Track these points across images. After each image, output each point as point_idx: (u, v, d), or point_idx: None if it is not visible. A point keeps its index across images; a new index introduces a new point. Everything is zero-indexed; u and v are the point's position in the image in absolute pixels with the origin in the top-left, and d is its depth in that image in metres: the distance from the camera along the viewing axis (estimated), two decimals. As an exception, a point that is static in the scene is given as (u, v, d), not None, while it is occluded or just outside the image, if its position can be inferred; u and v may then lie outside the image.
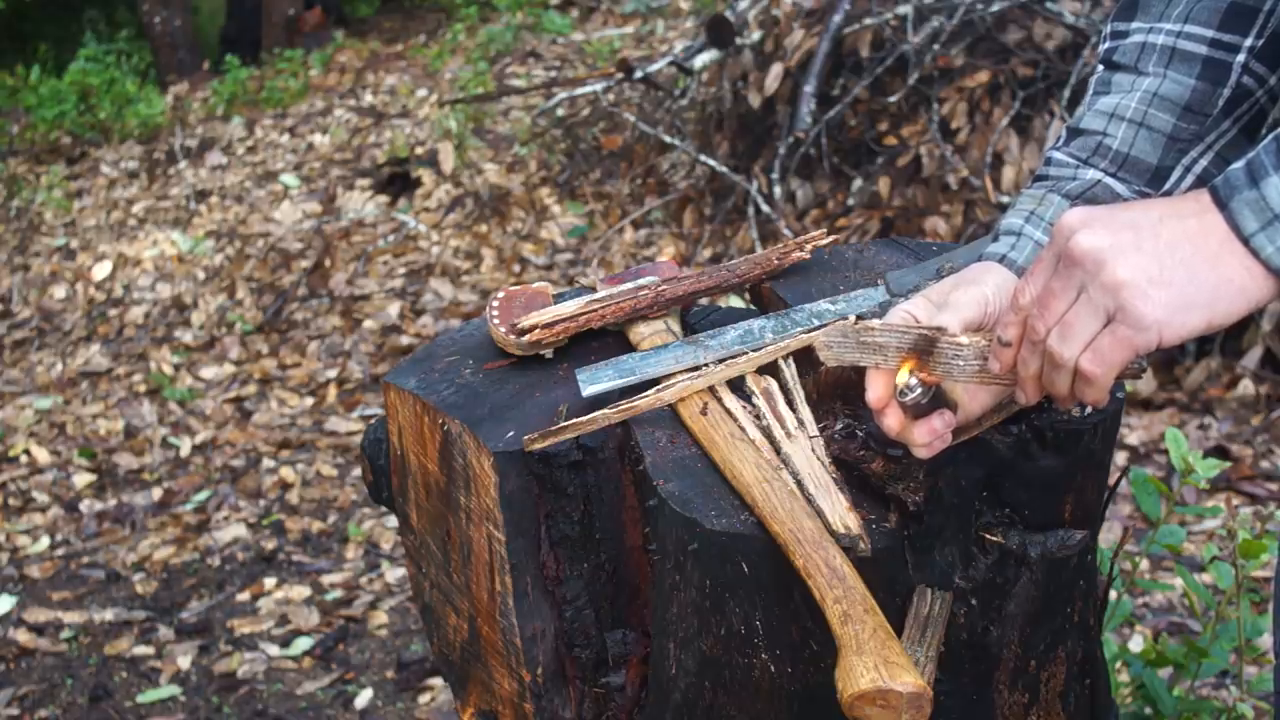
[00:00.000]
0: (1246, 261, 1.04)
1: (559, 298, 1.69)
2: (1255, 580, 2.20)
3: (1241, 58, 1.36)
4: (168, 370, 5.35)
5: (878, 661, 1.15)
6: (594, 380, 1.51)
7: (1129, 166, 1.39)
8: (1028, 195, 1.42)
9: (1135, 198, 1.37)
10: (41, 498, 4.54)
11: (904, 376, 1.25)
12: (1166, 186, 1.38)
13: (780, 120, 5.22)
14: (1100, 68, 1.45)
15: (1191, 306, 1.05)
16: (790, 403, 1.47)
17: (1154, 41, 1.39)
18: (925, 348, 1.23)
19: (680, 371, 1.53)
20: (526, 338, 1.59)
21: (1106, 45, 1.44)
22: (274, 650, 3.53)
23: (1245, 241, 1.04)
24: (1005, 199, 4.50)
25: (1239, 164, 1.06)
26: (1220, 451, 3.80)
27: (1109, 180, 1.38)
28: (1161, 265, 1.05)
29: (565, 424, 1.41)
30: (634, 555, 1.48)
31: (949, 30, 4.89)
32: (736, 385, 1.50)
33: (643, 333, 1.62)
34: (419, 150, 6.68)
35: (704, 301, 1.71)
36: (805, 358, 1.54)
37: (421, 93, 7.69)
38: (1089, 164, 1.40)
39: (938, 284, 1.37)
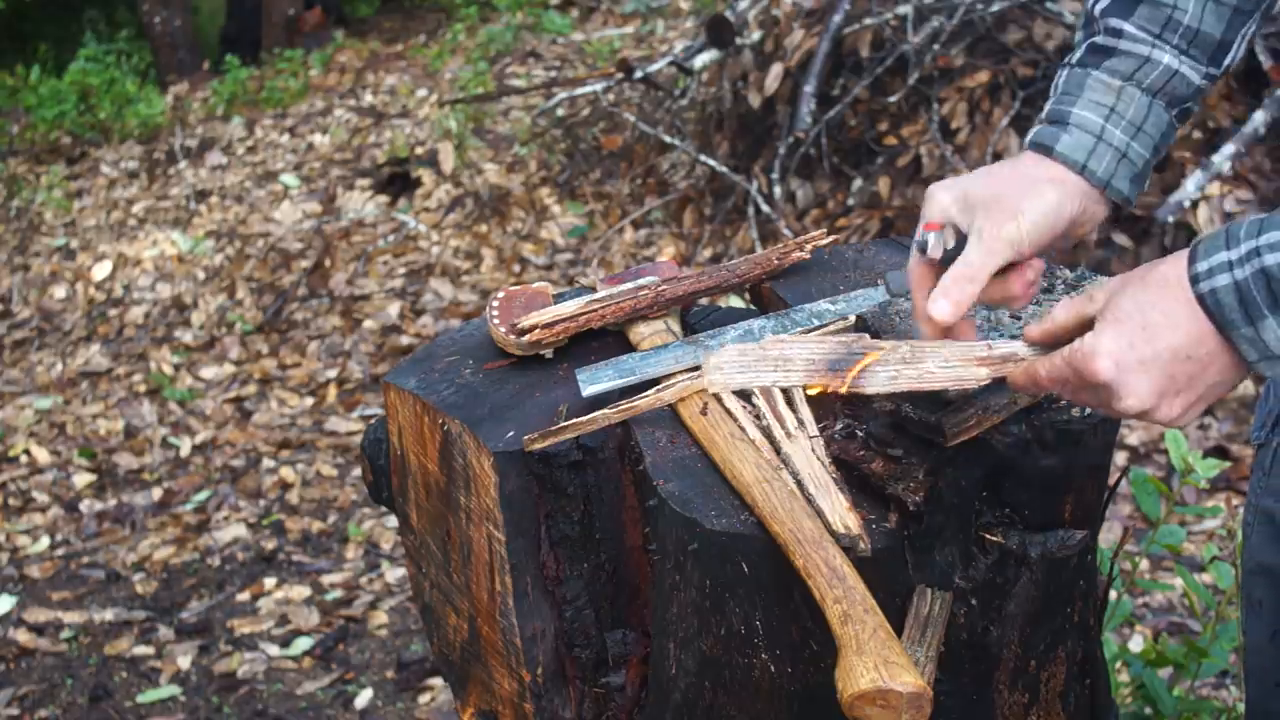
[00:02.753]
0: (1238, 369, 1.14)
1: (559, 298, 1.69)
2: (1255, 580, 2.20)
3: None
4: (168, 370, 5.35)
5: (878, 661, 1.15)
6: (594, 380, 1.51)
7: (1198, 43, 1.34)
8: (1101, 83, 1.33)
9: (1205, 83, 1.35)
10: (41, 498, 4.54)
11: (922, 235, 1.22)
12: (1225, 63, 1.35)
13: (780, 120, 5.22)
14: None
15: (1196, 405, 1.16)
16: (790, 403, 1.47)
17: None
18: (843, 359, 1.22)
19: (680, 371, 1.53)
20: (526, 338, 1.59)
21: None
22: (274, 650, 3.53)
23: (1248, 365, 1.14)
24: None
25: (1225, 281, 1.10)
26: (1220, 451, 3.80)
27: (1184, 69, 1.33)
28: (1173, 381, 1.13)
29: (565, 424, 1.41)
30: (634, 555, 1.48)
31: (949, 30, 4.89)
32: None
33: (643, 333, 1.62)
34: (419, 150, 6.68)
35: (704, 301, 1.71)
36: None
37: (421, 93, 7.69)
38: (1161, 41, 1.33)
39: (976, 180, 1.31)
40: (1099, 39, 1.35)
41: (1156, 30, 1.33)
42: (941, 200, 1.30)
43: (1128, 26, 1.33)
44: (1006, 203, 1.28)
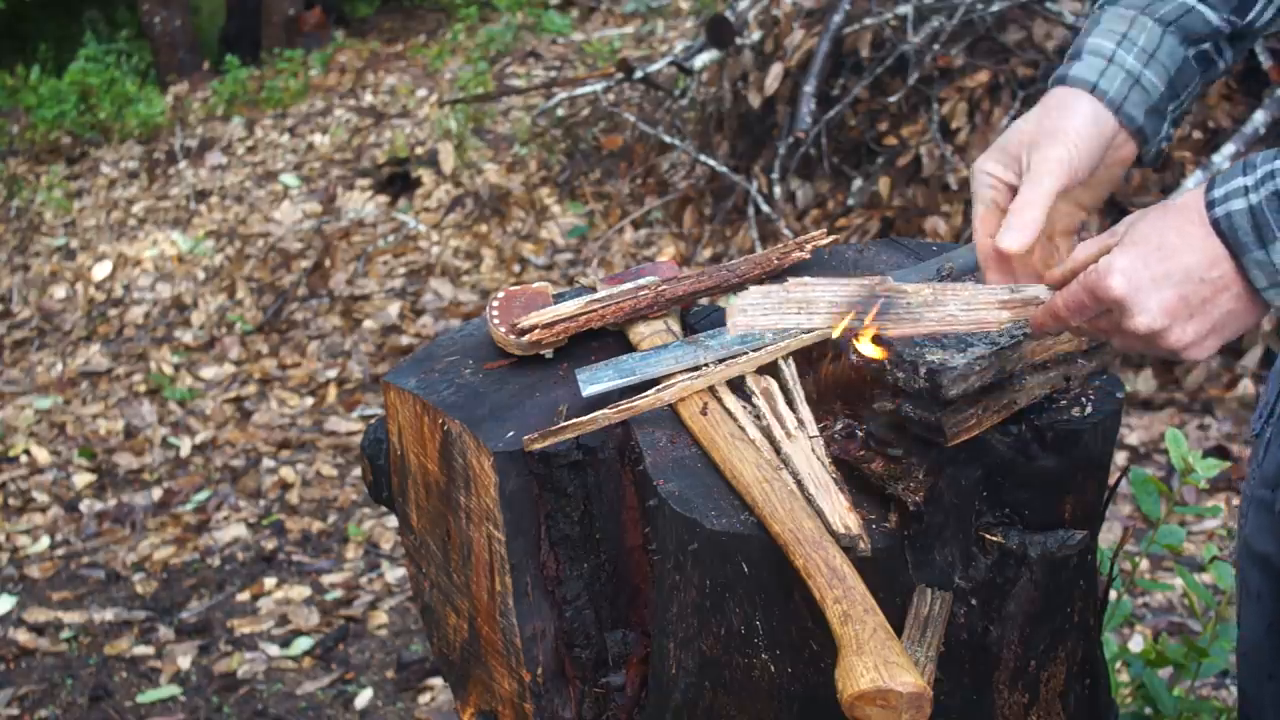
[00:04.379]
0: (1251, 302, 1.16)
1: (559, 298, 1.69)
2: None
3: None
4: (168, 370, 5.35)
5: (878, 661, 1.15)
6: (594, 380, 1.51)
7: None
8: (1115, 14, 1.35)
9: (1224, 25, 1.35)
10: (41, 498, 4.54)
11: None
12: (1250, 17, 1.35)
13: (780, 120, 5.22)
14: None
15: (1209, 336, 1.16)
16: (790, 403, 1.47)
17: None
18: (865, 300, 1.21)
19: (680, 371, 1.53)
20: (526, 338, 1.59)
21: None
22: (274, 650, 3.53)
23: (1257, 292, 1.15)
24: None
25: (1240, 205, 1.12)
26: (1220, 451, 3.80)
27: (1201, 6, 1.34)
28: (1185, 303, 1.14)
29: (565, 424, 1.41)
30: (634, 555, 1.48)
31: (949, 30, 4.89)
32: (736, 385, 1.50)
33: (643, 333, 1.62)
34: (419, 150, 6.68)
35: (704, 301, 1.71)
36: (805, 358, 1.54)
37: (421, 93, 7.69)
38: None
39: (1013, 134, 1.32)
40: None
41: None
42: (986, 169, 1.32)
43: None
44: (1047, 131, 1.29)
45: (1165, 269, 1.13)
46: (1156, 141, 1.36)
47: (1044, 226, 1.26)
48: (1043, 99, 1.35)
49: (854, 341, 1.25)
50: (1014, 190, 1.30)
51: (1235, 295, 1.14)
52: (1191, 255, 1.13)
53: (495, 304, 1.65)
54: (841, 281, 1.21)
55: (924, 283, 1.24)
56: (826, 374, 1.53)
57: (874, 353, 1.27)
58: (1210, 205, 1.13)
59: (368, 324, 5.47)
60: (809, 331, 1.31)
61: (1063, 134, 1.28)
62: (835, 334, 1.22)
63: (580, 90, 6.36)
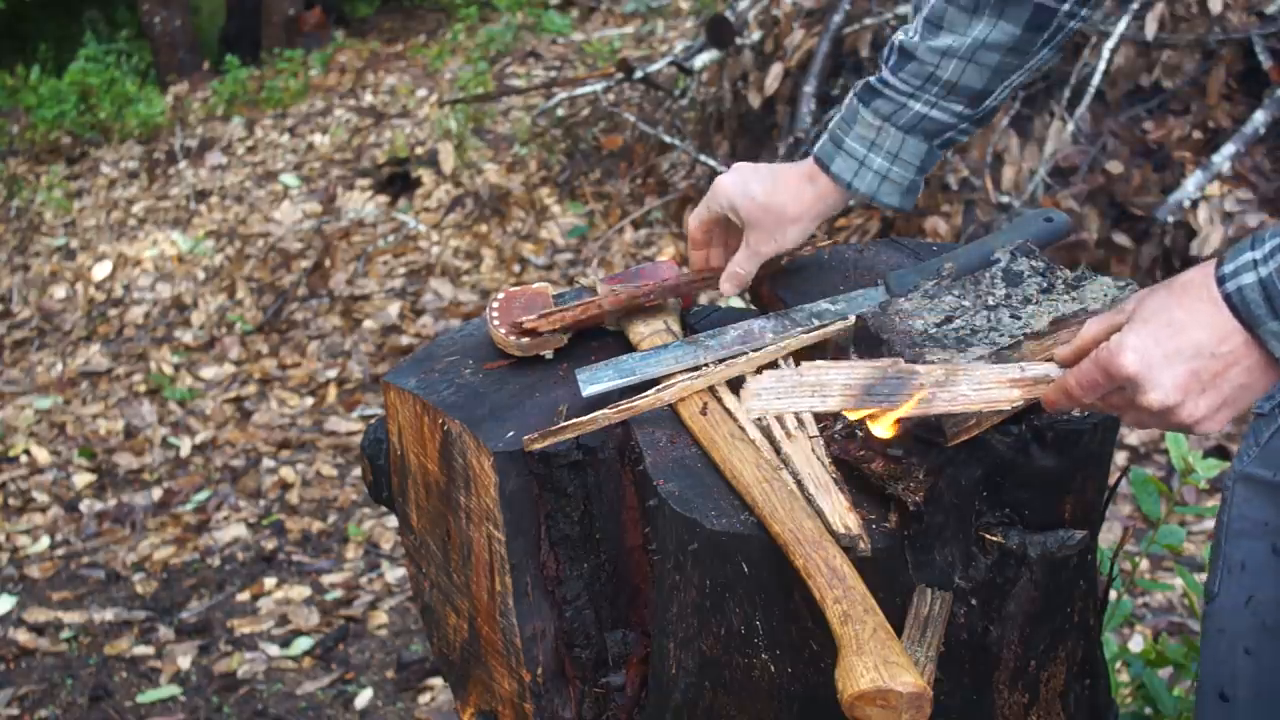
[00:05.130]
0: (1265, 372, 1.18)
1: (559, 298, 1.69)
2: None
3: (1067, 6, 1.54)
4: (168, 370, 5.35)
5: (878, 661, 1.15)
6: (594, 380, 1.51)
7: (955, 91, 1.60)
8: (864, 121, 1.63)
9: (957, 120, 1.62)
10: (41, 498, 4.54)
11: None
12: (986, 104, 1.62)
13: (780, 120, 5.22)
14: None
15: (1223, 409, 1.19)
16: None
17: None
18: (877, 387, 1.23)
19: (680, 371, 1.53)
20: (525, 336, 1.59)
21: None
22: (274, 650, 3.53)
23: (1275, 360, 1.17)
24: (1005, 199, 4.50)
25: (1251, 279, 1.15)
26: (1220, 451, 3.80)
27: (934, 112, 1.61)
28: (1197, 378, 1.17)
29: (565, 424, 1.41)
30: (634, 555, 1.48)
31: (949, 30, 4.89)
32: (736, 385, 1.50)
33: (642, 332, 1.62)
34: (419, 150, 6.68)
35: (704, 301, 1.71)
36: (805, 358, 1.54)
37: (421, 93, 7.69)
38: (920, 93, 1.60)
39: (754, 188, 1.64)
40: (873, 81, 1.64)
41: (917, 85, 1.60)
42: (721, 203, 1.66)
43: (894, 79, 1.61)
44: (771, 221, 1.64)
45: (1176, 345, 1.16)
46: (913, 202, 1.67)
47: (750, 280, 1.67)
48: (806, 162, 1.66)
49: (869, 423, 1.28)
50: (723, 224, 1.69)
51: (1246, 369, 1.17)
52: (1201, 331, 1.16)
53: (495, 304, 1.65)
54: (853, 364, 1.24)
55: (939, 364, 1.28)
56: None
57: (888, 433, 1.29)
58: (1220, 281, 1.16)
59: (368, 324, 5.47)
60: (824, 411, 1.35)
61: (780, 234, 1.64)
62: (851, 418, 1.25)
63: (580, 90, 6.36)
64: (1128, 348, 1.16)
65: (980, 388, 1.25)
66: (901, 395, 1.23)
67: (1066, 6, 1.55)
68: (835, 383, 1.23)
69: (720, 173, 5.62)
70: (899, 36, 1.63)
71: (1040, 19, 1.56)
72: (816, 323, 1.59)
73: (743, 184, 1.65)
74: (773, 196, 1.64)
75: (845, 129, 1.64)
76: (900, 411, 1.24)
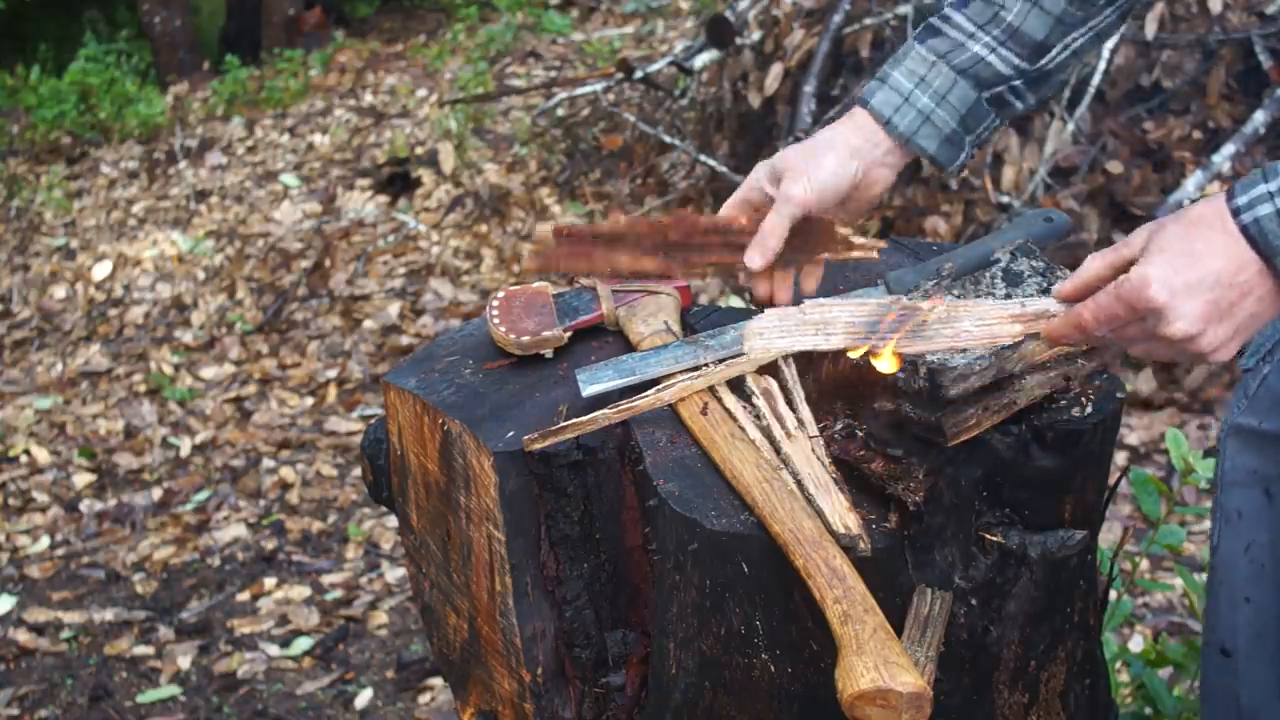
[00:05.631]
0: (1274, 301, 1.21)
1: (559, 298, 1.69)
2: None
3: None
4: (168, 370, 5.35)
5: (878, 661, 1.15)
6: (594, 380, 1.51)
7: (1016, 38, 1.54)
8: (919, 55, 1.56)
9: (1014, 74, 1.55)
10: (41, 498, 4.54)
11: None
12: (1044, 61, 1.56)
13: (780, 120, 5.22)
14: None
15: (1235, 336, 1.22)
16: (790, 403, 1.47)
17: None
18: (882, 318, 1.23)
19: (680, 371, 1.53)
20: (527, 338, 1.59)
21: None
22: (274, 650, 3.53)
23: None
24: (1005, 199, 4.50)
25: (1267, 210, 1.17)
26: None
27: (992, 57, 1.55)
28: (1216, 307, 1.20)
29: (565, 424, 1.41)
30: (634, 555, 1.48)
31: (949, 30, 4.89)
32: (736, 385, 1.50)
33: (642, 332, 1.62)
34: (419, 150, 6.68)
35: (704, 300, 1.71)
36: (805, 358, 1.54)
37: (421, 93, 7.69)
38: (981, 32, 1.54)
39: (789, 151, 1.53)
40: (934, 20, 1.58)
41: (981, 23, 1.55)
42: (758, 174, 1.56)
43: (957, 16, 1.56)
44: (797, 167, 1.51)
45: (1198, 275, 1.18)
46: (955, 165, 1.59)
47: (780, 249, 1.51)
48: (844, 117, 1.58)
49: (872, 359, 1.27)
50: (766, 197, 1.54)
51: (1258, 298, 1.20)
52: (1218, 261, 1.19)
53: (495, 304, 1.65)
54: (857, 301, 1.23)
55: (934, 288, 1.26)
56: (826, 374, 1.52)
57: (891, 366, 1.29)
58: (1236, 213, 1.19)
59: (368, 324, 5.47)
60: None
61: (805, 175, 1.50)
62: (854, 355, 1.25)
63: (580, 90, 6.36)
64: (1153, 279, 1.18)
65: (982, 323, 1.26)
66: (905, 328, 1.22)
67: None
68: (839, 320, 1.22)
69: (721, 172, 5.59)
70: None
71: None
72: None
73: (779, 153, 1.57)
74: (808, 142, 1.56)
75: (894, 64, 1.57)
76: (901, 337, 1.23)
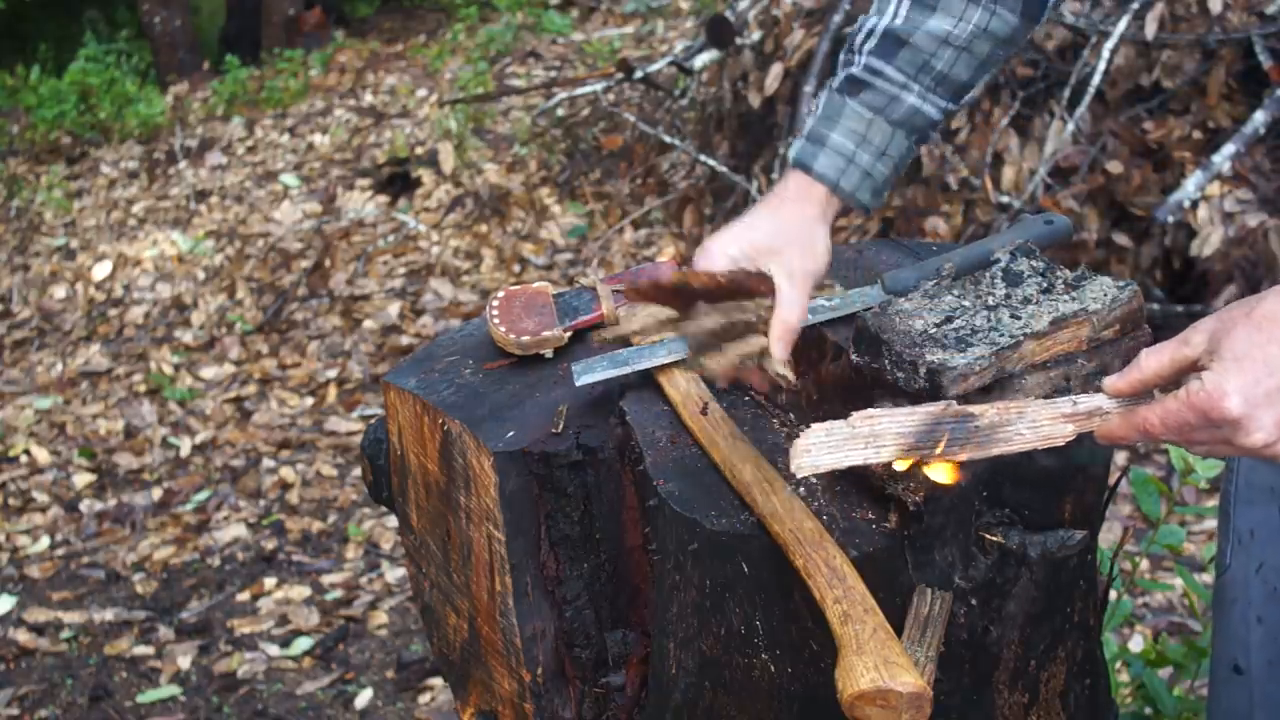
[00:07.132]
0: None
1: (559, 298, 1.69)
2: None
3: None
4: (168, 370, 5.35)
5: (878, 661, 1.15)
6: (588, 371, 1.51)
7: (945, 84, 1.56)
8: (854, 114, 1.54)
9: (940, 115, 1.57)
10: (41, 498, 4.53)
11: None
12: (964, 99, 1.59)
13: (780, 120, 5.22)
14: None
15: None
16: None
17: None
18: (933, 429, 1.21)
19: (673, 364, 1.53)
20: (527, 338, 1.59)
21: None
22: (274, 650, 3.53)
23: None
24: (1005, 199, 4.50)
25: None
26: (1220, 451, 3.79)
27: (925, 105, 1.55)
28: None
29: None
30: (634, 555, 1.48)
31: (949, 30, 4.88)
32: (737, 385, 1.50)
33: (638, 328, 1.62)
34: (419, 150, 6.68)
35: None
36: (806, 358, 1.54)
37: (421, 93, 7.69)
38: (913, 83, 1.54)
39: (756, 231, 1.49)
40: (857, 72, 1.55)
41: (912, 73, 1.54)
42: (729, 253, 1.47)
43: (886, 68, 1.54)
44: (797, 245, 1.49)
45: (1277, 383, 1.15)
46: (879, 205, 1.61)
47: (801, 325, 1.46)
48: (781, 185, 1.56)
49: (925, 469, 1.26)
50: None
51: None
52: None
53: (495, 304, 1.65)
54: (906, 411, 1.20)
55: (987, 405, 1.24)
56: (826, 374, 1.52)
57: (949, 477, 1.28)
58: None
59: (368, 324, 5.47)
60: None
61: (815, 253, 1.50)
62: (903, 467, 1.23)
63: (580, 90, 6.36)
64: (1230, 391, 1.14)
65: (1035, 426, 1.23)
66: (957, 441, 1.20)
67: None
68: (888, 432, 1.20)
69: (721, 172, 5.59)
70: (878, 21, 1.55)
71: (1033, 9, 1.54)
72: (813, 319, 1.59)
73: (729, 236, 1.50)
74: (778, 231, 1.50)
75: (829, 125, 1.55)
76: (960, 458, 1.21)
